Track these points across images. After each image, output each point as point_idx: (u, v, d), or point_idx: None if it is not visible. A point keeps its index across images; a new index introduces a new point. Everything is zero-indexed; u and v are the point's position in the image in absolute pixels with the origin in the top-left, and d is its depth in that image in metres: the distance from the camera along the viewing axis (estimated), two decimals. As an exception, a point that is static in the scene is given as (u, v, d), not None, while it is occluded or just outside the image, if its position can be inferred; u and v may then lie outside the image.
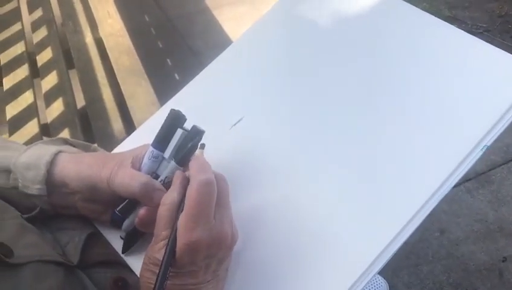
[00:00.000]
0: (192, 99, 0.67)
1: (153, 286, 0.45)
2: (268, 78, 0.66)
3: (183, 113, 0.54)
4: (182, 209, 0.46)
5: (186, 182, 0.48)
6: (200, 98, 0.67)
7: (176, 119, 0.54)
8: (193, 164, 0.49)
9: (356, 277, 0.48)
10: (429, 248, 1.42)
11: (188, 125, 0.54)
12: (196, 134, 0.53)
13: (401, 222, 0.49)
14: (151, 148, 0.54)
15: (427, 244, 1.42)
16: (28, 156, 0.53)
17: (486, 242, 1.43)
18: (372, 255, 0.48)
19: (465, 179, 1.55)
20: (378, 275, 1.30)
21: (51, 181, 0.52)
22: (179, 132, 0.53)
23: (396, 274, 1.36)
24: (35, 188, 0.52)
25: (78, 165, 0.53)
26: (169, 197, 0.48)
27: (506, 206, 1.51)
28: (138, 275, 0.52)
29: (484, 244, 1.42)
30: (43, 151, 0.54)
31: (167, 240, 0.46)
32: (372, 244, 0.49)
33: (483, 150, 0.51)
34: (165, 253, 0.45)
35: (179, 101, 0.67)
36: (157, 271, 0.45)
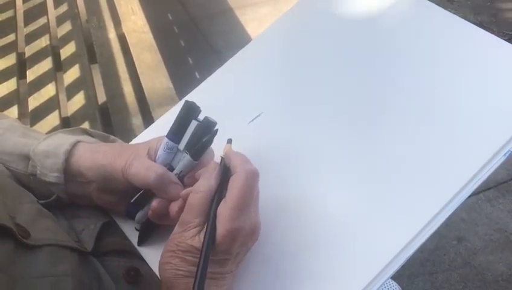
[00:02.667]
0: (211, 94, 0.67)
1: (182, 271, 0.46)
2: (287, 75, 0.65)
3: (202, 106, 0.54)
4: (219, 198, 0.47)
5: (224, 172, 0.49)
6: (219, 93, 0.67)
7: (190, 111, 0.54)
8: (235, 155, 0.50)
9: (369, 279, 0.47)
10: (446, 256, 1.40)
11: (202, 117, 0.54)
12: (208, 125, 0.53)
13: (418, 226, 0.48)
14: (166, 140, 0.54)
15: (443, 252, 1.40)
16: (47, 144, 0.53)
17: (505, 252, 1.40)
18: (386, 259, 0.48)
19: (486, 188, 1.52)
20: (393, 281, 1.29)
21: (68, 170, 0.53)
22: (194, 124, 0.53)
23: (411, 281, 1.34)
24: (53, 176, 0.52)
25: (93, 154, 0.53)
26: (205, 185, 0.48)
27: (527, 217, 1.48)
28: (151, 266, 0.53)
29: (503, 254, 1.40)
30: (62, 140, 0.54)
31: (201, 227, 0.47)
32: (386, 248, 0.48)
33: (506, 156, 0.50)
34: (204, 239, 0.45)
35: (197, 96, 0.67)
36: (190, 257, 0.46)
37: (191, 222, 0.47)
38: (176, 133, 0.54)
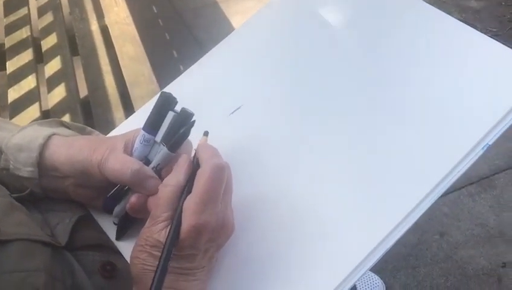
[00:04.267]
0: (191, 86, 0.66)
1: (149, 267, 0.45)
2: (269, 67, 0.65)
3: (181, 98, 0.53)
4: (188, 192, 0.46)
5: (194, 166, 0.48)
6: (199, 84, 0.66)
7: (166, 102, 0.53)
8: (204, 149, 0.49)
9: (348, 271, 0.47)
10: (428, 250, 1.40)
11: (180, 109, 0.53)
12: (186, 117, 0.51)
13: (396, 219, 0.48)
14: (142, 132, 0.52)
15: (426, 246, 1.41)
16: (21, 138, 0.52)
17: (486, 247, 1.41)
18: (365, 252, 0.48)
19: (468, 183, 1.53)
20: (375, 275, 1.29)
21: (42, 164, 0.51)
22: (170, 115, 0.52)
23: (393, 275, 1.35)
24: (26, 171, 0.51)
25: (69, 149, 0.52)
26: (174, 179, 0.47)
27: (508, 211, 1.49)
28: (128, 261, 0.52)
29: (484, 249, 1.41)
30: (37, 133, 0.53)
31: (168, 221, 0.46)
32: (364, 241, 0.48)
33: (485, 149, 0.50)
34: (168, 234, 0.44)
35: (177, 87, 0.66)
36: (156, 252, 0.45)
37: (159, 217, 0.46)
38: (152, 125, 0.52)
